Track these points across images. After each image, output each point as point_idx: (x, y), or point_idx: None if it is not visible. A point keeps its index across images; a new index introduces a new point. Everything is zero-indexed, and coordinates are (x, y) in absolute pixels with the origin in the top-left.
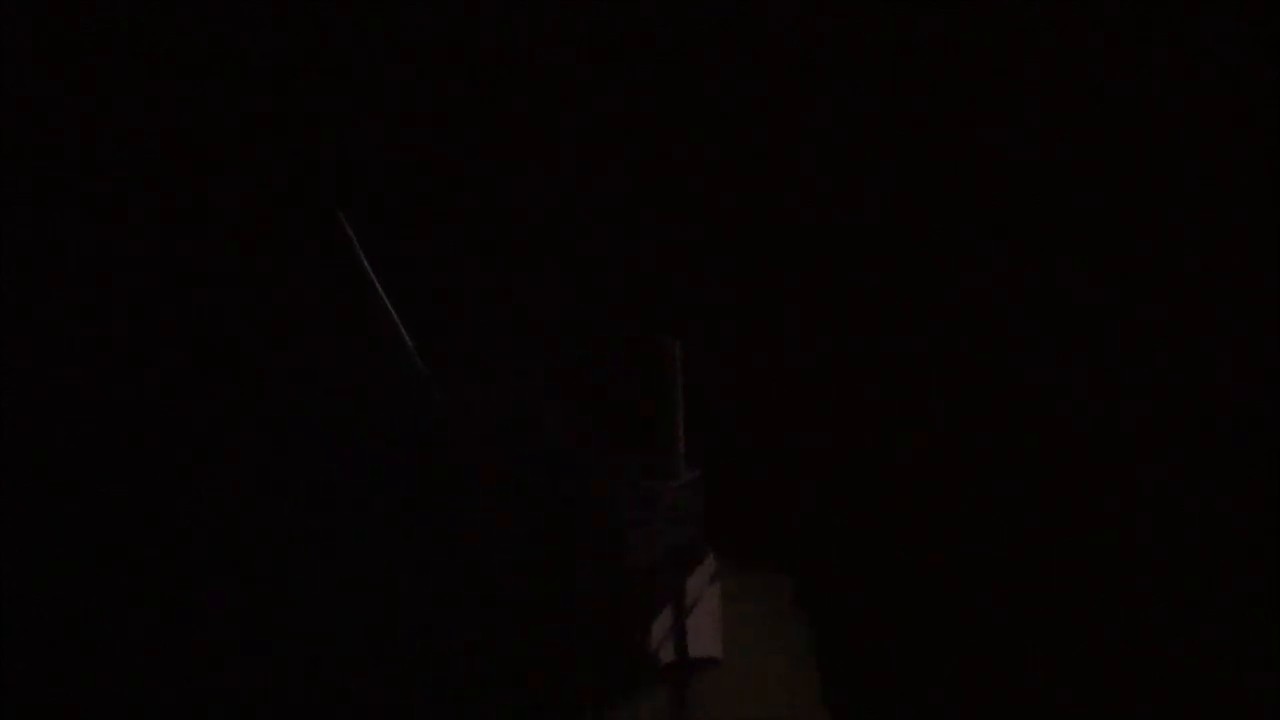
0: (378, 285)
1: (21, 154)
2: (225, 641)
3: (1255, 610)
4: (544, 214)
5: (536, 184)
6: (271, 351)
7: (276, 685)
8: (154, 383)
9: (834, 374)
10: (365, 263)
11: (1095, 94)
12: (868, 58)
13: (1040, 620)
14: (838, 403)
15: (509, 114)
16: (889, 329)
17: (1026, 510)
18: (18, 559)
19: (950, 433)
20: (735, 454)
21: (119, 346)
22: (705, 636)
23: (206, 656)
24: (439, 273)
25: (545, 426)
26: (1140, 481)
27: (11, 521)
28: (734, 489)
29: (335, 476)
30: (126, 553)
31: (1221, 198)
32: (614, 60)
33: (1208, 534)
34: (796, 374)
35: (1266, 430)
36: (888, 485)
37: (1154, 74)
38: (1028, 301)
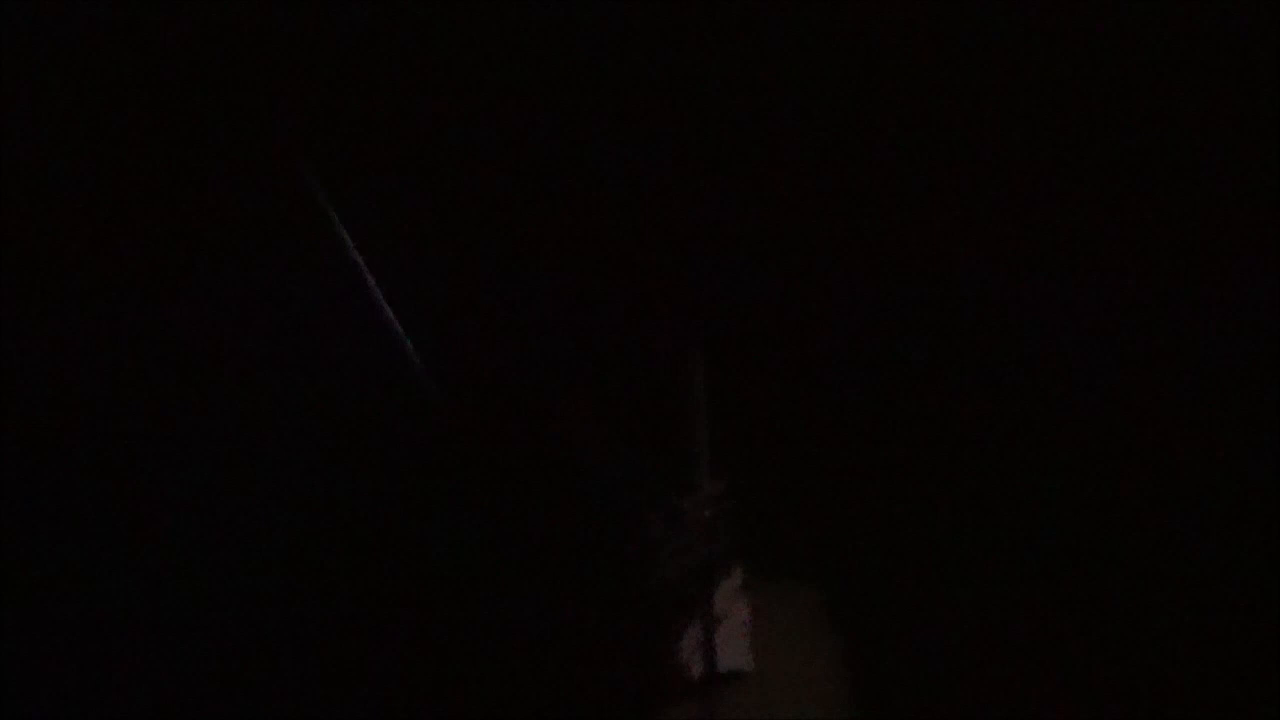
0: (372, 283)
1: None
2: (233, 646)
3: (1255, 610)
4: (563, 216)
5: (556, 185)
6: (271, 352)
7: (287, 691)
8: (149, 382)
9: (864, 379)
10: (361, 262)
11: (1096, 93)
12: (897, 65)
13: (1076, 625)
14: (868, 409)
15: (531, 115)
16: (920, 334)
17: (1062, 518)
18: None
19: (982, 439)
20: (762, 462)
21: (116, 345)
22: (734, 649)
23: (213, 659)
24: (456, 275)
25: (563, 438)
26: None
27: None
28: (762, 498)
29: (337, 481)
30: (129, 549)
31: (1222, 197)
32: (629, 58)
33: (1209, 533)
34: (825, 380)
35: (1266, 430)
36: (919, 492)
37: (1154, 73)
38: (1053, 303)
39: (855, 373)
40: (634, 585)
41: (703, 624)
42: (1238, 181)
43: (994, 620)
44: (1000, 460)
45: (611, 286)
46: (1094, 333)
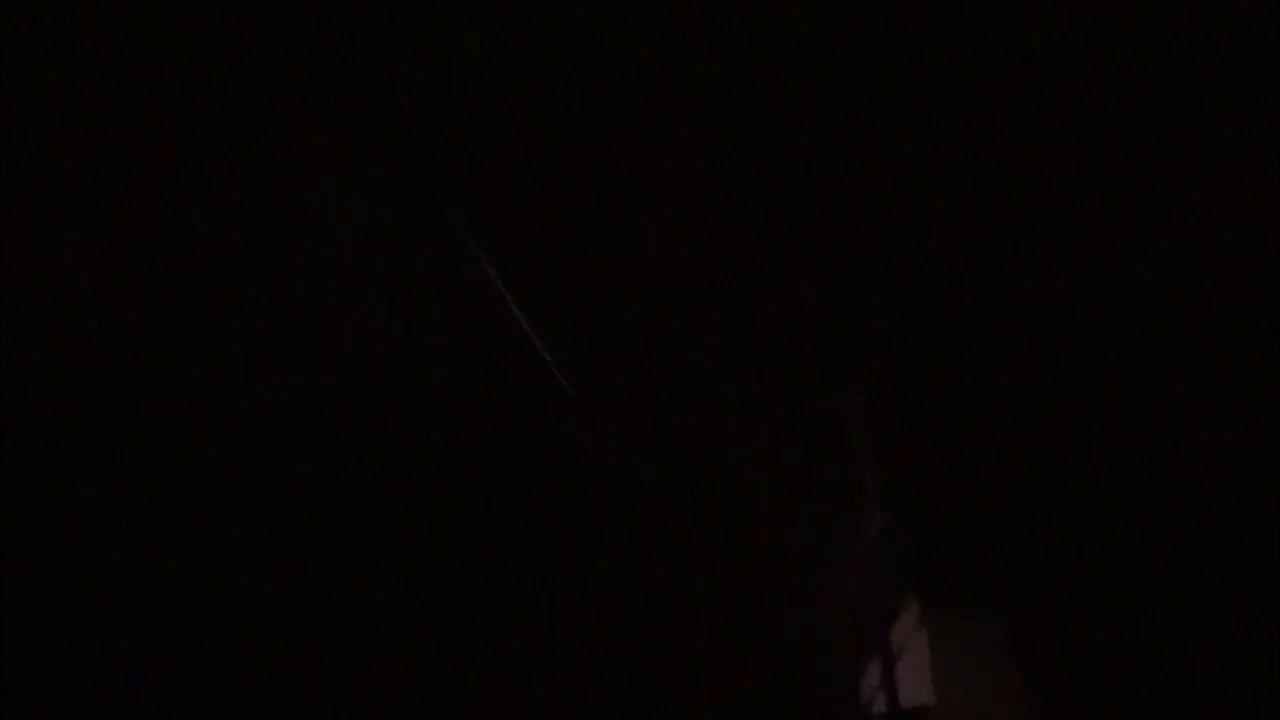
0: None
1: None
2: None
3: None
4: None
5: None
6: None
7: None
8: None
9: (1033, 410)
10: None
11: (1096, 94)
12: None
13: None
14: (1040, 435)
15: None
16: (1088, 360)
17: (1247, 542)
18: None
19: (1157, 461)
20: (931, 496)
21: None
22: (915, 684)
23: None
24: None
25: (733, 486)
26: None
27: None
28: (934, 532)
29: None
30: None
31: (1222, 197)
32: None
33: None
34: (991, 409)
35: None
36: (1095, 518)
37: (1155, 72)
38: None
39: (1023, 400)
40: (810, 627)
41: (883, 660)
42: (1237, 182)
43: (1177, 646)
44: (1180, 481)
45: (773, 322)
46: None
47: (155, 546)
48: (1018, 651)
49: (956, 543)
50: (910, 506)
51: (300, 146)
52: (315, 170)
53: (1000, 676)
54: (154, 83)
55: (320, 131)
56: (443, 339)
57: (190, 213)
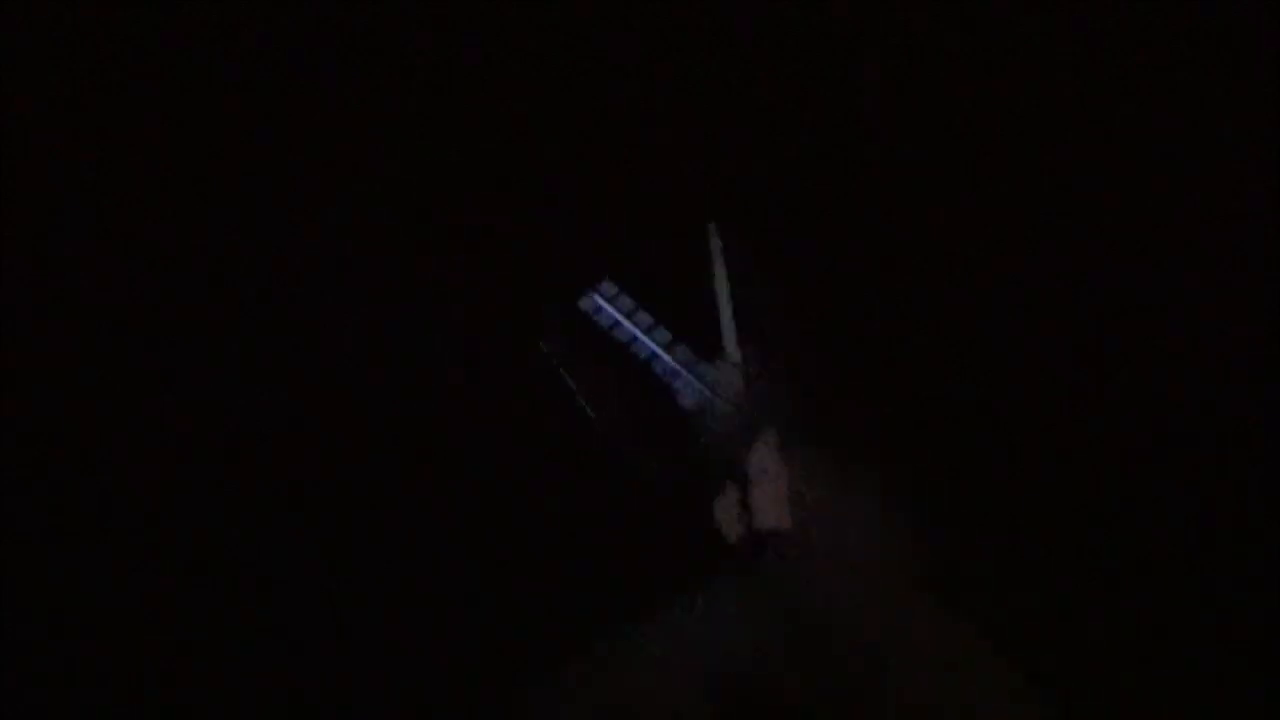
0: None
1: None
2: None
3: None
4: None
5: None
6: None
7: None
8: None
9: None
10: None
11: (1097, 93)
12: None
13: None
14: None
15: None
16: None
17: None
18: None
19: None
20: (789, 326)
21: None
22: (772, 510)
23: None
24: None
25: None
26: None
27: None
28: (792, 363)
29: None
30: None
31: (1223, 198)
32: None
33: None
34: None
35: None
36: (946, 357)
37: (1156, 74)
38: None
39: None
40: (669, 453)
41: (741, 486)
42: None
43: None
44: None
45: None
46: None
47: (155, 546)
48: (872, 481)
49: (815, 374)
50: (770, 339)
51: (300, 147)
52: (315, 170)
53: (854, 504)
54: (154, 82)
55: (321, 133)
56: (443, 339)
57: (190, 213)
